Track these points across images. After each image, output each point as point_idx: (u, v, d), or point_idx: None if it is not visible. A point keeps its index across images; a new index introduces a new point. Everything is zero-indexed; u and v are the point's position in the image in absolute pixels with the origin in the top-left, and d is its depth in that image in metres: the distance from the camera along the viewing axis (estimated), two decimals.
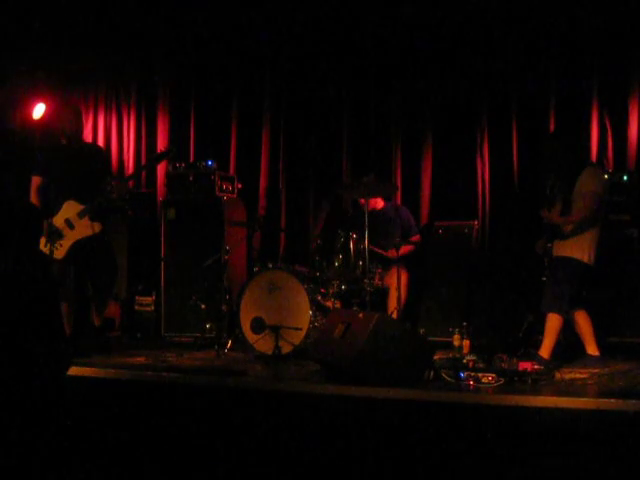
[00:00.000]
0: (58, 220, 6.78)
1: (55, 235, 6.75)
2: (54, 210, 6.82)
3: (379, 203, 7.83)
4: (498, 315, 7.14)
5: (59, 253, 6.77)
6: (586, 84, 7.77)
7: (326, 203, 7.71)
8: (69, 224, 6.78)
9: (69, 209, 6.81)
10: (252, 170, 9.01)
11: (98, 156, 7.28)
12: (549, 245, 6.36)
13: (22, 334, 3.29)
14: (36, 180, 6.96)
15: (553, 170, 6.43)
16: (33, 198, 6.92)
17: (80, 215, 6.78)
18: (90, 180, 6.83)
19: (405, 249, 7.52)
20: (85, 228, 6.82)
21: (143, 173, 9.37)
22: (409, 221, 7.81)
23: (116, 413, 5.23)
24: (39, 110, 9.14)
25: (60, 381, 3.50)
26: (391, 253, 7.36)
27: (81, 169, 6.88)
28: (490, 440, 4.54)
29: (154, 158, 7.72)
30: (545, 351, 6.09)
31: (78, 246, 6.83)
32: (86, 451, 4.57)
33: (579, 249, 6.14)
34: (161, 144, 9.36)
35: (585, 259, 6.13)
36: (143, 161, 9.48)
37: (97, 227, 6.86)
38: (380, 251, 7.42)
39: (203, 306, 7.67)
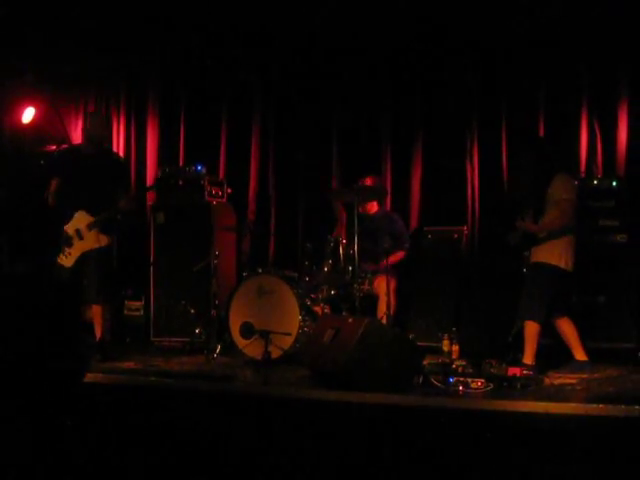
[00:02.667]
0: (70, 229, 6.82)
1: (66, 242, 6.79)
2: (65, 216, 6.84)
3: (373, 207, 7.81)
4: (487, 320, 7.15)
5: (68, 261, 6.82)
6: (576, 90, 7.80)
7: (337, 205, 7.71)
8: (79, 235, 6.84)
9: (80, 220, 6.85)
10: (242, 175, 8.99)
11: (116, 168, 7.28)
12: (526, 254, 6.41)
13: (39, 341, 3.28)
14: (54, 182, 6.99)
15: (523, 179, 6.49)
16: (51, 200, 6.94)
17: (90, 227, 6.83)
18: (102, 191, 6.86)
19: (395, 257, 7.51)
20: (93, 241, 6.87)
21: (133, 177, 9.33)
22: (400, 230, 7.76)
23: (104, 417, 5.20)
24: (29, 114, 9.12)
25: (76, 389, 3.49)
26: (382, 264, 7.34)
27: (93, 178, 6.89)
28: (479, 445, 4.53)
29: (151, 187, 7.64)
30: (528, 358, 6.12)
31: (84, 257, 6.85)
32: (75, 455, 4.55)
33: (555, 255, 6.18)
34: (150, 148, 9.37)
35: (562, 264, 6.17)
36: (132, 165, 9.45)
37: (104, 240, 6.91)
38: (372, 266, 7.42)
39: (192, 311, 7.65)
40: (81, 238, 6.85)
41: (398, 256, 7.57)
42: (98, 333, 7.01)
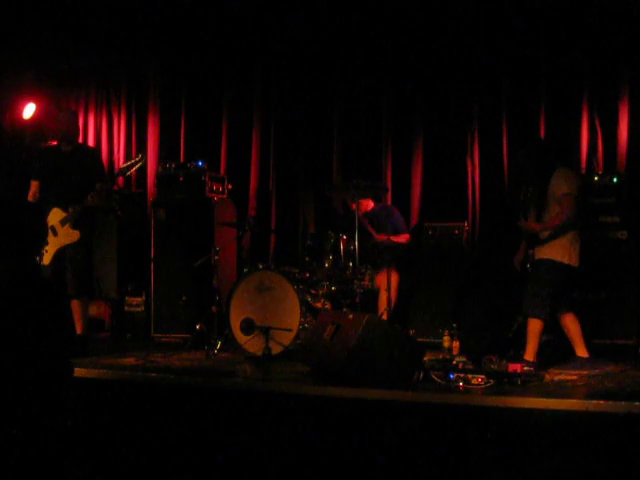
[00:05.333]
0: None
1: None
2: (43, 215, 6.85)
3: (369, 205, 7.81)
4: (488, 316, 7.15)
5: (45, 259, 6.81)
6: (576, 86, 7.79)
7: (310, 202, 7.69)
8: (53, 231, 6.86)
9: (54, 216, 6.88)
10: (242, 171, 8.99)
11: (90, 161, 7.24)
12: (530, 251, 6.35)
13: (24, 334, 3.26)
14: (34, 185, 7.04)
15: (524, 178, 6.47)
16: (32, 202, 6.92)
17: (62, 222, 6.84)
18: (76, 187, 6.86)
19: (396, 238, 7.51)
20: (67, 236, 6.89)
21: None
22: (398, 221, 7.79)
23: (105, 413, 5.21)
24: (29, 110, 9.12)
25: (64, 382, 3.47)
26: (380, 237, 7.36)
27: (69, 175, 6.92)
28: (479, 441, 4.53)
29: (125, 168, 7.59)
30: (529, 355, 6.10)
31: (61, 253, 6.87)
32: (75, 451, 4.56)
33: (559, 251, 6.13)
34: (151, 144, 9.35)
35: (566, 260, 6.12)
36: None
37: (76, 235, 6.90)
38: (371, 229, 7.41)
39: (192, 306, 7.64)
40: (55, 234, 6.86)
41: (404, 237, 7.62)
42: (78, 329, 6.97)
